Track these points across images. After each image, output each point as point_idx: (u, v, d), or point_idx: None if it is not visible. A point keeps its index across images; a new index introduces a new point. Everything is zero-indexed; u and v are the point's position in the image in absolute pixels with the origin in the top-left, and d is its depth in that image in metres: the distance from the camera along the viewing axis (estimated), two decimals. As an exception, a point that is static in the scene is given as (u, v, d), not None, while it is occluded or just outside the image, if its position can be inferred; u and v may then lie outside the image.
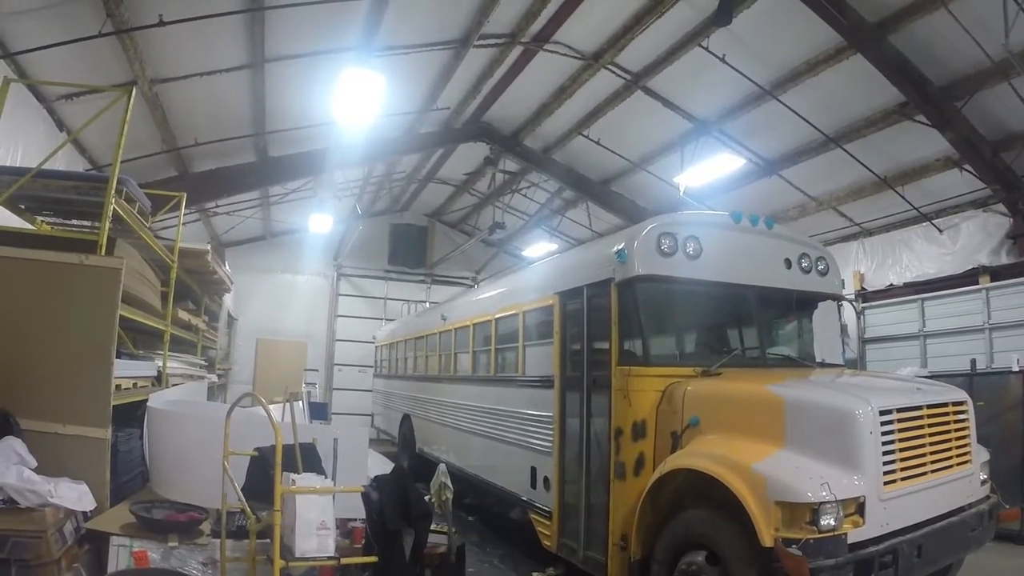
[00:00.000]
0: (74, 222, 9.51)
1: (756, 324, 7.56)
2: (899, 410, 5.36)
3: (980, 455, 6.25)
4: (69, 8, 8.94)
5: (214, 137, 13.78)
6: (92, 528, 6.11)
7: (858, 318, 14.67)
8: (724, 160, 13.99)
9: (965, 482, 5.91)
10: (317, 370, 23.38)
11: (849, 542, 4.83)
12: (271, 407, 5.61)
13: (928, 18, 9.88)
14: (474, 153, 18.52)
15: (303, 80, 12.43)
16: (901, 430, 5.33)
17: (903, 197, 13.38)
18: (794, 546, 4.67)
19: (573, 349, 7.86)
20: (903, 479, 5.26)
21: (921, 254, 14.23)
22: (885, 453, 5.16)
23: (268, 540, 5.16)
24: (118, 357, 7.01)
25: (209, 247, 12.83)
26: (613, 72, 13.43)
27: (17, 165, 8.71)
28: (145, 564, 5.91)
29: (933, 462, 5.58)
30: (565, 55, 13.17)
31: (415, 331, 15.34)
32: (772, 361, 7.44)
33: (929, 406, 5.69)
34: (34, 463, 5.85)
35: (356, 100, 10.81)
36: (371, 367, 21.11)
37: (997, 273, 12.49)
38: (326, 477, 5.97)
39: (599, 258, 7.51)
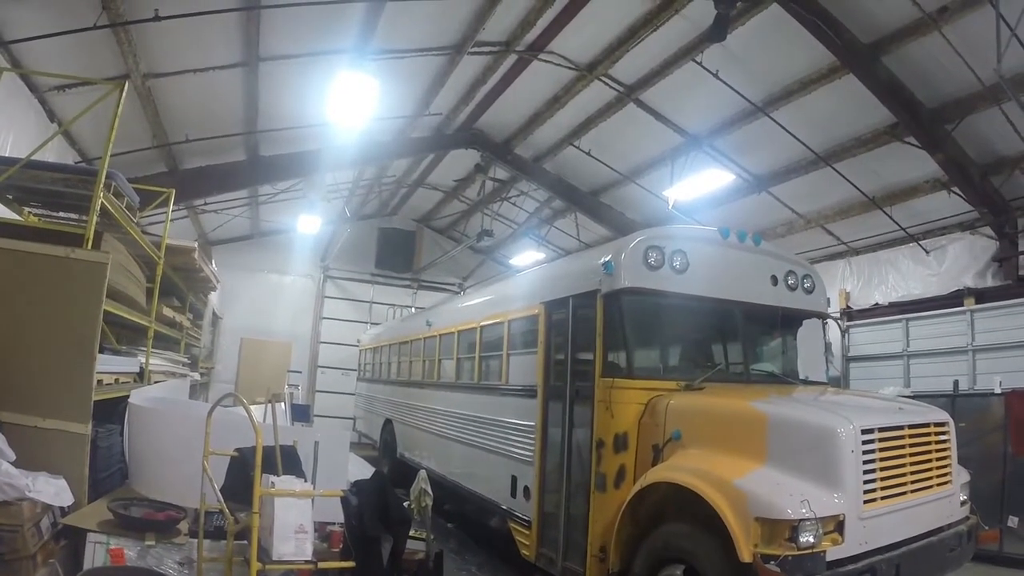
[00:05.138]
0: (61, 215, 9.46)
1: (741, 340, 7.60)
2: (881, 429, 5.40)
3: (961, 476, 6.29)
4: (65, -1, 8.92)
5: (205, 134, 13.71)
6: (69, 524, 6.06)
7: (843, 336, 14.72)
8: (714, 175, 14.02)
9: (945, 502, 5.94)
10: (300, 372, 23.17)
11: (828, 560, 4.85)
12: (253, 408, 5.58)
13: (922, 41, 9.94)
14: (464, 160, 18.50)
15: (297, 80, 12.41)
16: (882, 449, 5.35)
17: (891, 217, 13.44)
18: (773, 562, 4.68)
19: (557, 359, 7.88)
20: (883, 498, 5.29)
21: (907, 274, 14.28)
22: (866, 472, 5.19)
23: (246, 542, 5.13)
24: (101, 352, 6.97)
25: (196, 244, 12.75)
26: (606, 84, 13.46)
27: (6, 155, 8.65)
28: (121, 562, 5.86)
29: (914, 482, 5.60)
30: (559, 65, 13.19)
31: (400, 336, 15.32)
32: (756, 377, 7.48)
33: (911, 426, 5.72)
34: (12, 456, 5.80)
35: (349, 102, 10.82)
36: (355, 370, 21.05)
37: (982, 295, 12.56)
38: (306, 480, 5.94)
39: (586, 269, 7.52)
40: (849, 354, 14.95)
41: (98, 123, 9.34)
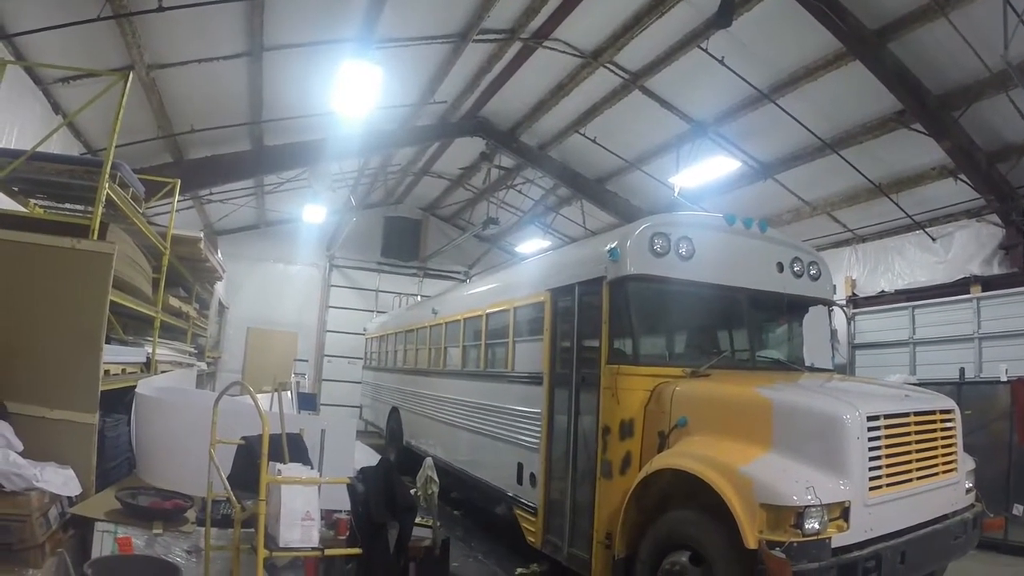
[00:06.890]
0: (67, 206, 9.48)
1: (746, 326, 7.57)
2: (886, 416, 5.39)
3: (966, 463, 6.28)
4: (68, -10, 8.91)
5: (210, 124, 13.74)
6: (77, 513, 6.09)
7: (848, 323, 14.67)
8: (720, 162, 14.01)
9: (950, 490, 5.94)
10: (307, 360, 23.22)
11: (833, 546, 4.86)
12: (259, 397, 5.60)
13: (928, 27, 9.89)
14: (470, 148, 18.48)
15: (301, 70, 12.40)
16: (888, 436, 5.35)
17: (897, 205, 13.40)
18: (778, 549, 4.68)
19: (563, 346, 7.86)
20: (888, 485, 5.29)
21: (913, 262, 14.25)
22: (871, 459, 5.18)
23: (253, 529, 5.15)
24: (108, 342, 6.98)
25: (202, 234, 12.76)
26: (612, 71, 13.41)
27: (12, 147, 8.66)
28: (129, 551, 5.90)
29: (919, 469, 5.60)
30: (564, 52, 13.15)
31: (406, 324, 15.32)
32: (761, 364, 7.44)
33: (916, 413, 5.72)
34: (20, 447, 5.83)
35: (354, 91, 10.80)
36: (361, 359, 21.03)
37: (988, 283, 12.50)
38: (312, 468, 5.96)
39: (592, 256, 7.51)
40: (855, 341, 14.90)
41: (103, 114, 9.33)
